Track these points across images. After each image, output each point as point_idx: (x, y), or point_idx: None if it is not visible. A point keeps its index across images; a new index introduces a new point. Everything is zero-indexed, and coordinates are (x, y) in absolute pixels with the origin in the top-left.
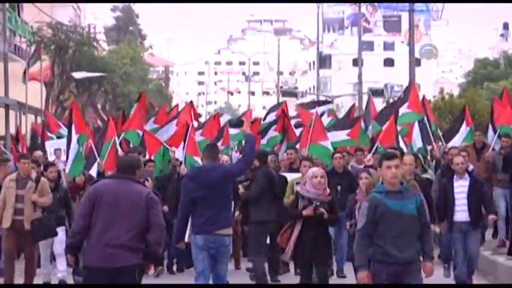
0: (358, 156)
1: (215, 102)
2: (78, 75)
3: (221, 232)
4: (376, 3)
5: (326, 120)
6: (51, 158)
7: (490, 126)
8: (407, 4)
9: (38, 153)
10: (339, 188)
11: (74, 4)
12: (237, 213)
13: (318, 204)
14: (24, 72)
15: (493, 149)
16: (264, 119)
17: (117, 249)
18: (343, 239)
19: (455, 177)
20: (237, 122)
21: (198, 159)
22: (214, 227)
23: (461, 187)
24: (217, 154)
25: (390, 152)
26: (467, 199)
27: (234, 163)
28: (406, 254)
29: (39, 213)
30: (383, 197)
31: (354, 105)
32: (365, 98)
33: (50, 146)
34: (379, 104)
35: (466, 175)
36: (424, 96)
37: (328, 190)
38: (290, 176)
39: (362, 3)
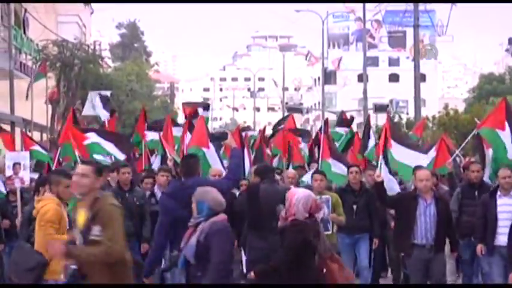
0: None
1: (220, 119)
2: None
3: None
4: (381, 19)
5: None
6: (8, 172)
7: None
8: (412, 20)
9: None
10: (354, 207)
11: (79, 21)
12: None
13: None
14: (28, 89)
15: None
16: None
17: None
18: (363, 261)
19: (498, 193)
20: (220, 136)
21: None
22: None
23: (505, 206)
24: (197, 168)
25: None
26: None
27: (219, 179)
28: None
29: None
30: None
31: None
32: (370, 113)
33: (11, 158)
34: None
35: None
36: None
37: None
38: None
39: (367, 19)
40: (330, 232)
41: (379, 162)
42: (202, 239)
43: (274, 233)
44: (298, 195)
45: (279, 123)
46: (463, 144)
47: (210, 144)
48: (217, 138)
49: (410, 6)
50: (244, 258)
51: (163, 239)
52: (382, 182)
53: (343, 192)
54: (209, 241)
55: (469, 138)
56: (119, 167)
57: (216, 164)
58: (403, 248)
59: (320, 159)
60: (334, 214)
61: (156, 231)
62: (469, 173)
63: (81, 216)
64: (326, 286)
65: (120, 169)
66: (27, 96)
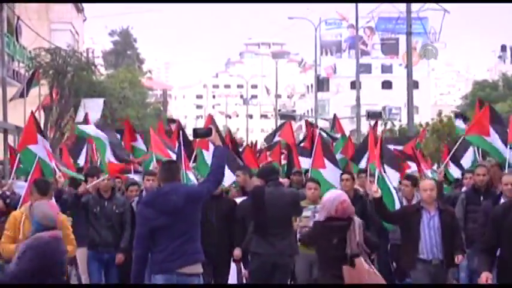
0: (362, 178)
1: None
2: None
3: (186, 270)
4: (374, 26)
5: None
6: None
7: None
8: (404, 27)
9: None
10: None
11: (72, 29)
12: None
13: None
14: (22, 95)
15: None
16: (271, 140)
17: None
18: None
19: (502, 200)
20: (203, 133)
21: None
22: (176, 263)
23: None
24: (176, 173)
25: None
26: None
27: (199, 182)
28: None
29: None
30: None
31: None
32: (363, 120)
33: None
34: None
35: None
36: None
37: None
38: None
39: (360, 26)
40: None
41: (377, 176)
42: (20, 255)
43: (281, 238)
44: (324, 198)
45: (274, 132)
46: (452, 151)
47: (210, 145)
48: (200, 135)
49: (403, 13)
50: (233, 267)
51: (142, 251)
52: (381, 198)
53: None
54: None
55: (457, 144)
56: (99, 173)
57: None
58: (408, 263)
59: (311, 168)
60: None
61: (135, 244)
62: (474, 177)
63: None
64: (322, 286)
65: (99, 175)
66: (11, 100)
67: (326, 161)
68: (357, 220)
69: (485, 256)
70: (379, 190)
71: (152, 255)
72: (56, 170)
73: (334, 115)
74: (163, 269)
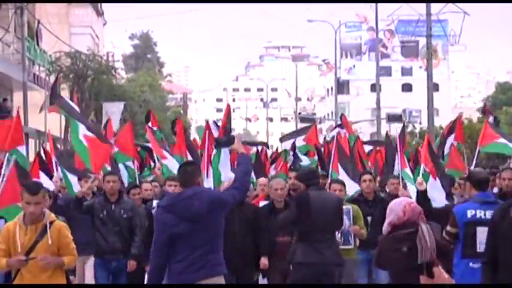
0: (395, 185)
1: (233, 129)
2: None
3: (208, 282)
4: (393, 29)
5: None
6: None
7: None
8: (424, 29)
9: None
10: (369, 219)
11: (92, 32)
12: None
13: None
14: (44, 103)
15: None
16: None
17: None
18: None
19: None
20: (226, 142)
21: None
22: (198, 274)
23: None
24: (193, 176)
25: None
26: None
27: (225, 189)
28: None
29: None
30: None
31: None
32: (383, 123)
33: None
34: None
35: None
36: None
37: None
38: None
39: (380, 29)
40: (351, 246)
41: (420, 170)
42: None
43: (328, 245)
44: (390, 204)
45: (293, 134)
46: (473, 163)
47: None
48: (223, 144)
49: (423, 16)
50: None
51: (161, 260)
52: (425, 190)
53: (355, 202)
54: None
55: (476, 156)
56: (104, 174)
57: None
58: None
59: (331, 168)
60: (356, 226)
61: (152, 252)
62: (500, 181)
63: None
64: (334, 286)
65: (105, 177)
66: (40, 110)
67: (339, 167)
68: (425, 226)
69: (487, 269)
70: (424, 183)
71: (169, 265)
72: (55, 173)
73: (342, 114)
74: (181, 281)
